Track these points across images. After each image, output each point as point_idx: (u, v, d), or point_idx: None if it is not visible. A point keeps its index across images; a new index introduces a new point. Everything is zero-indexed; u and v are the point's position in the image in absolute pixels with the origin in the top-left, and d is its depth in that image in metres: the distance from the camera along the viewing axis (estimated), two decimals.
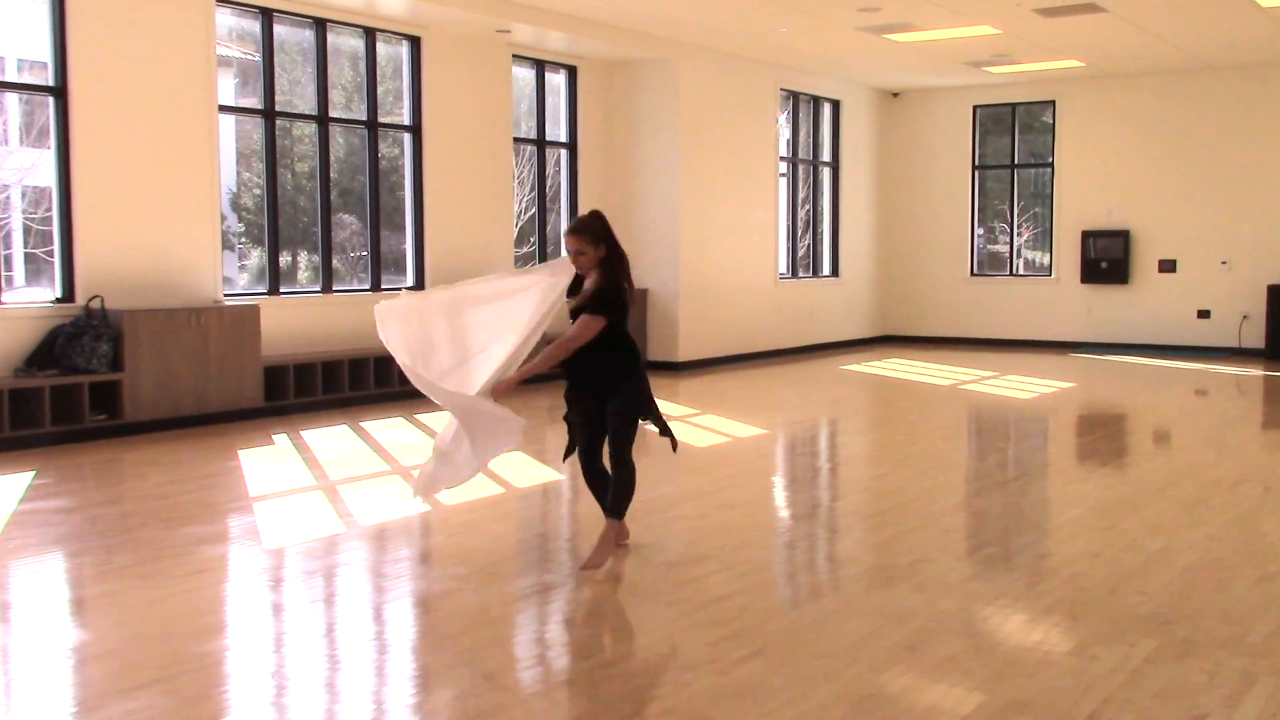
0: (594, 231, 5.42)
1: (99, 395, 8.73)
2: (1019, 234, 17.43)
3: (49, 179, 9.15)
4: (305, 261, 11.50)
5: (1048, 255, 16.96)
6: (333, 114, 11.02)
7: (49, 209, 9.28)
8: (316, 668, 4.21)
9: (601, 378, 5.50)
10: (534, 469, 7.87)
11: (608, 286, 5.38)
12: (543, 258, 13.34)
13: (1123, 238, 16.05)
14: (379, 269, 11.45)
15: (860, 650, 4.28)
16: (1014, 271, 17.32)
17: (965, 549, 5.87)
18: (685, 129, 13.67)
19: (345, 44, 11.35)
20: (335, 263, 11.18)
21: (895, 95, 17.69)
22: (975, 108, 17.16)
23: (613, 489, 5.47)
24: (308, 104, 10.96)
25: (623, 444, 5.46)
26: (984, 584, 5.14)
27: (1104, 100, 16.18)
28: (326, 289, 10.96)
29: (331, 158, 11.07)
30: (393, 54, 11.69)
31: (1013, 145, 17.18)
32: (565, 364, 5.55)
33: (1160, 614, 4.65)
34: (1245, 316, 15.38)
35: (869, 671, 4.05)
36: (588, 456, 5.61)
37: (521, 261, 13.16)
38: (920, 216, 17.61)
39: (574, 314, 5.45)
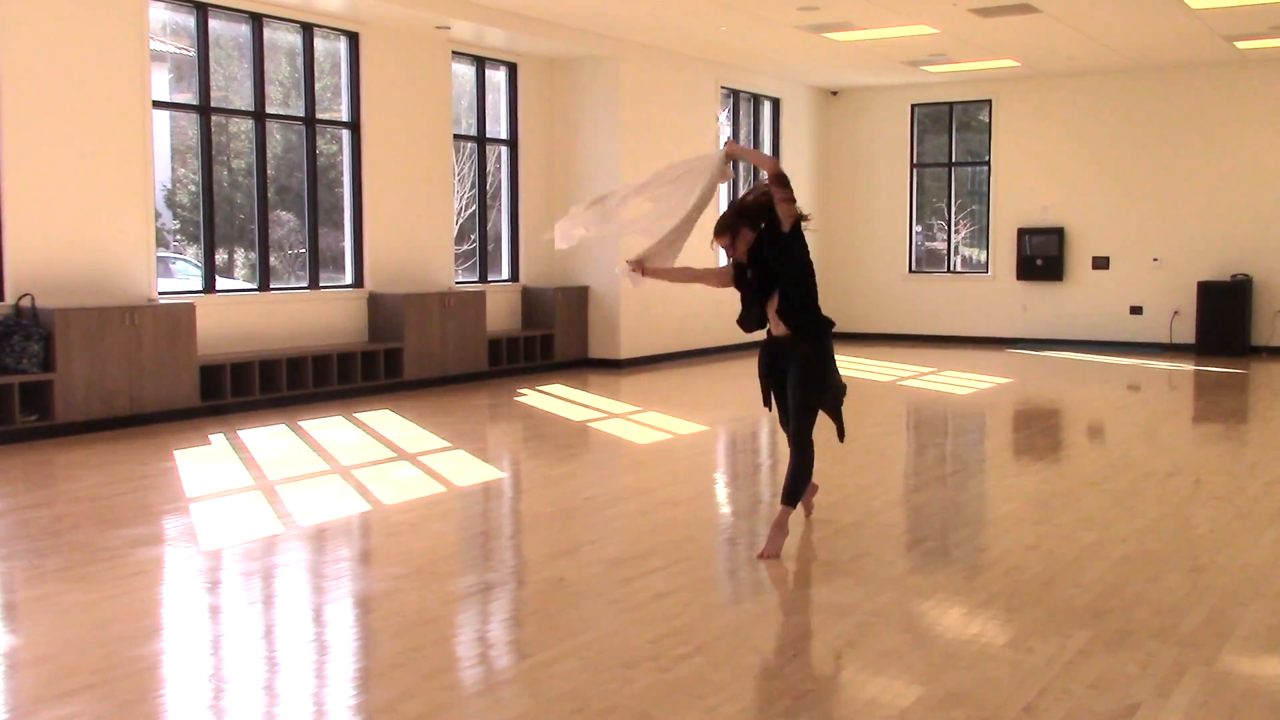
0: (732, 226, 5.60)
1: (29, 396, 8.57)
2: (956, 231, 17.62)
3: None
4: (242, 259, 11.36)
5: (985, 252, 17.17)
6: (270, 110, 10.90)
7: None
8: (255, 670, 4.16)
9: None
10: (475, 468, 7.84)
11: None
12: (484, 256, 13.29)
13: (1057, 235, 16.29)
14: (317, 266, 11.34)
15: (801, 645, 4.31)
16: (951, 268, 17.51)
17: (904, 543, 5.92)
18: (626, 126, 13.68)
19: (282, 39, 11.22)
20: (273, 260, 11.06)
21: (834, 94, 17.82)
22: (913, 106, 17.33)
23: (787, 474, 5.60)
24: (244, 100, 10.83)
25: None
26: (923, 578, 5.19)
27: (1039, 100, 16.40)
28: (264, 287, 10.84)
29: (269, 154, 10.95)
30: (331, 49, 11.58)
31: (950, 144, 17.37)
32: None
33: (1094, 606, 4.72)
34: (1176, 313, 15.67)
35: (810, 666, 4.08)
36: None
37: (461, 260, 13.09)
38: (859, 214, 17.75)
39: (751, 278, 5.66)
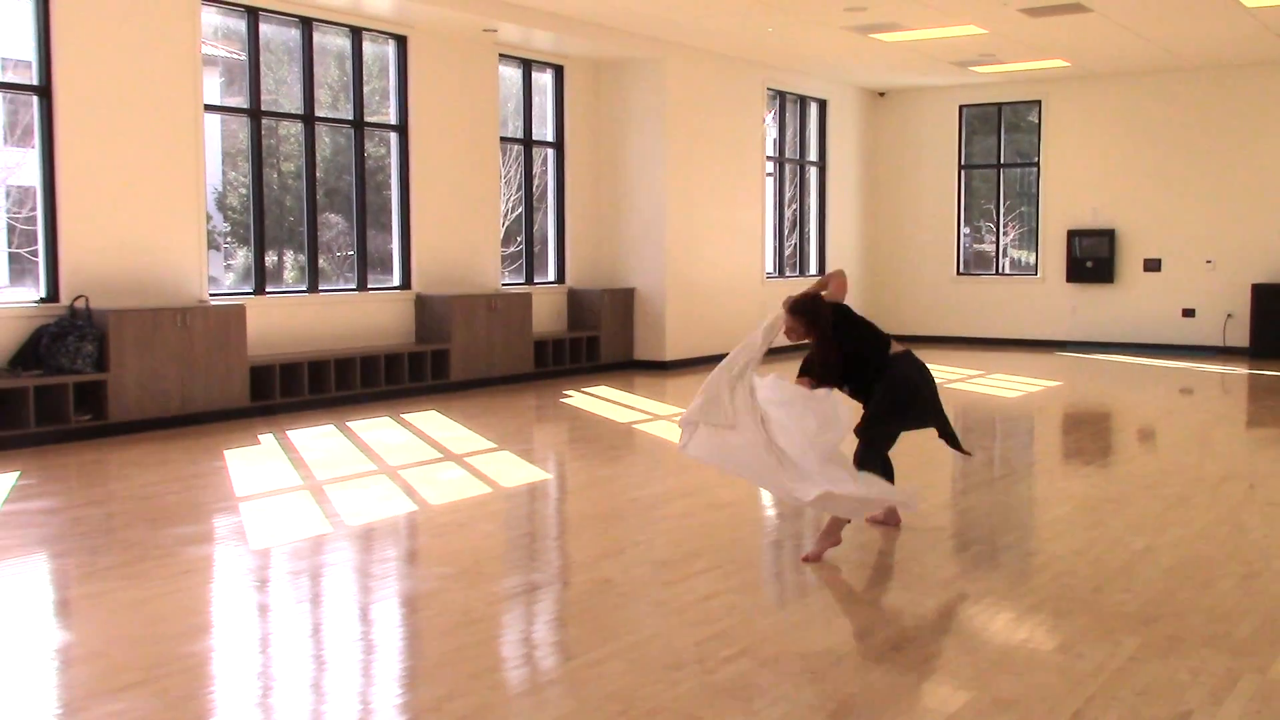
0: (810, 315, 5.71)
1: (84, 396, 8.70)
2: (1005, 233, 17.47)
3: (33, 178, 9.11)
4: (291, 261, 11.47)
5: (1033, 254, 17.01)
6: (319, 113, 11.00)
7: (33, 208, 9.23)
8: (303, 668, 4.20)
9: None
10: (521, 469, 7.86)
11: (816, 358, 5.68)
12: (530, 258, 13.33)
13: (1108, 237, 16.11)
14: (365, 268, 11.43)
15: (847, 649, 4.28)
16: (1000, 271, 17.37)
17: (952, 547, 5.88)
18: (672, 128, 13.67)
19: (331, 43, 11.32)
20: (321, 262, 11.15)
21: (881, 95, 17.72)
22: (961, 107, 17.21)
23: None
24: (294, 103, 10.93)
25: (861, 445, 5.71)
26: (971, 582, 5.15)
27: (1090, 100, 16.23)
28: (313, 289, 10.94)
29: (318, 157, 11.05)
30: (379, 53, 11.66)
31: (999, 145, 17.23)
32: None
33: (1145, 612, 4.66)
34: (1229, 315, 15.45)
35: (856, 670, 4.06)
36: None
37: (508, 262, 13.14)
38: (906, 216, 17.65)
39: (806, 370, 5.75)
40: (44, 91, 8.84)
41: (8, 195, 11.74)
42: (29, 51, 8.90)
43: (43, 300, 8.88)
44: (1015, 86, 16.61)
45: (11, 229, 11.53)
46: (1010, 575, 5.28)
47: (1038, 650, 4.24)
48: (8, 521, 6.23)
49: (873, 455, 5.70)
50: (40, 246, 8.99)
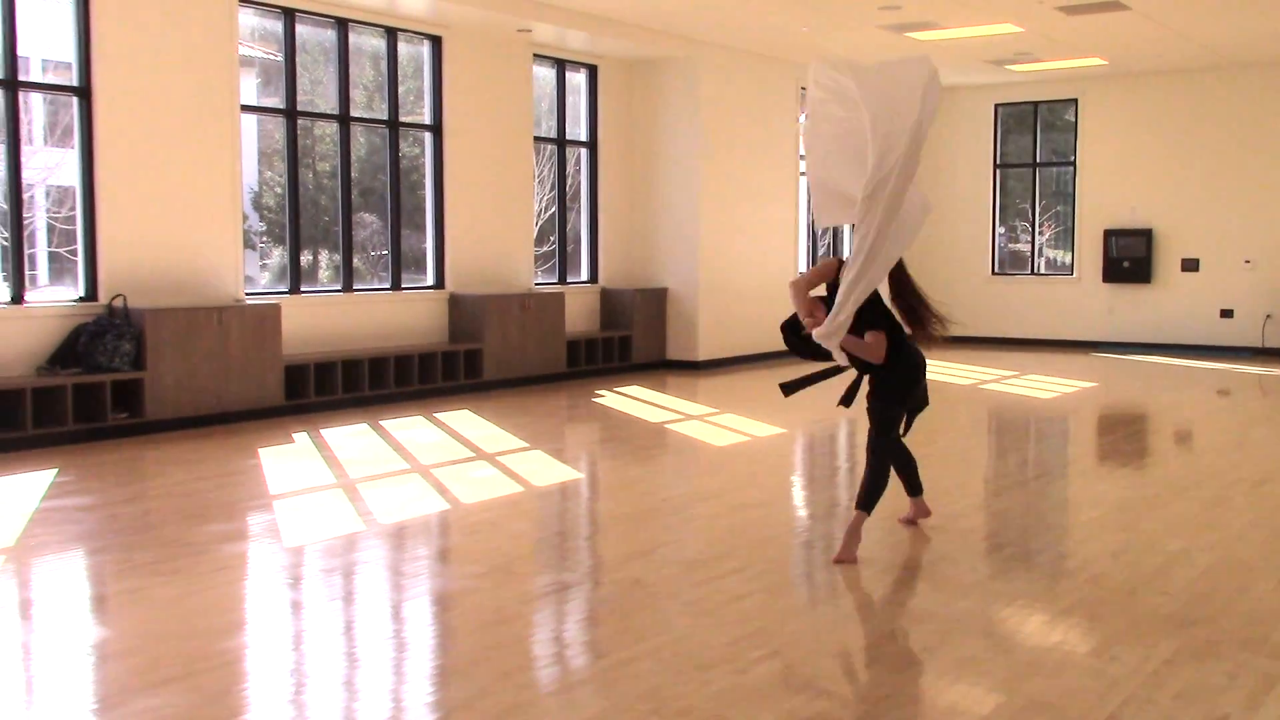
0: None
1: (121, 394, 8.78)
2: (1040, 233, 17.36)
3: (73, 178, 9.21)
4: (326, 260, 11.54)
5: (1069, 254, 16.88)
6: (354, 113, 11.06)
7: (73, 208, 9.33)
8: (335, 665, 4.22)
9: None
10: (553, 468, 7.88)
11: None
12: (563, 257, 13.36)
13: (1145, 236, 15.97)
14: (399, 268, 11.48)
15: (879, 650, 4.27)
16: (1035, 270, 17.25)
17: (984, 549, 5.85)
18: (705, 127, 13.66)
19: (367, 43, 11.38)
20: (356, 262, 11.22)
21: None
22: (997, 106, 17.10)
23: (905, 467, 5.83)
24: (329, 103, 11.00)
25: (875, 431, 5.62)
26: (1003, 584, 5.12)
27: (1127, 98, 16.09)
28: (347, 288, 11.01)
29: (353, 157, 11.11)
30: (414, 53, 11.72)
31: (1034, 143, 17.11)
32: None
33: (1181, 615, 4.62)
34: (1269, 316, 15.27)
35: (889, 671, 4.04)
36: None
37: (541, 261, 13.17)
38: (941, 215, 17.52)
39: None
40: (83, 93, 8.93)
41: (48, 195, 11.87)
42: (69, 53, 9.00)
43: (81, 299, 8.98)
44: (1051, 85, 16.49)
45: (51, 228, 11.66)
46: (1043, 577, 5.24)
47: (1072, 653, 4.21)
48: (46, 518, 6.31)
49: (891, 439, 5.62)
50: (79, 246, 9.08)
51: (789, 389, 5.72)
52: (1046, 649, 4.27)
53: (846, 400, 5.70)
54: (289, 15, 10.35)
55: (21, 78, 8.88)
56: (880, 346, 5.43)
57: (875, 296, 5.47)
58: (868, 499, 5.52)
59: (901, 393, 5.61)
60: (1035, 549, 5.82)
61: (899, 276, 5.66)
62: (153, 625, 4.59)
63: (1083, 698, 3.78)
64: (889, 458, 5.63)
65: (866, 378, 5.66)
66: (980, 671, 4.04)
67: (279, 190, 11.38)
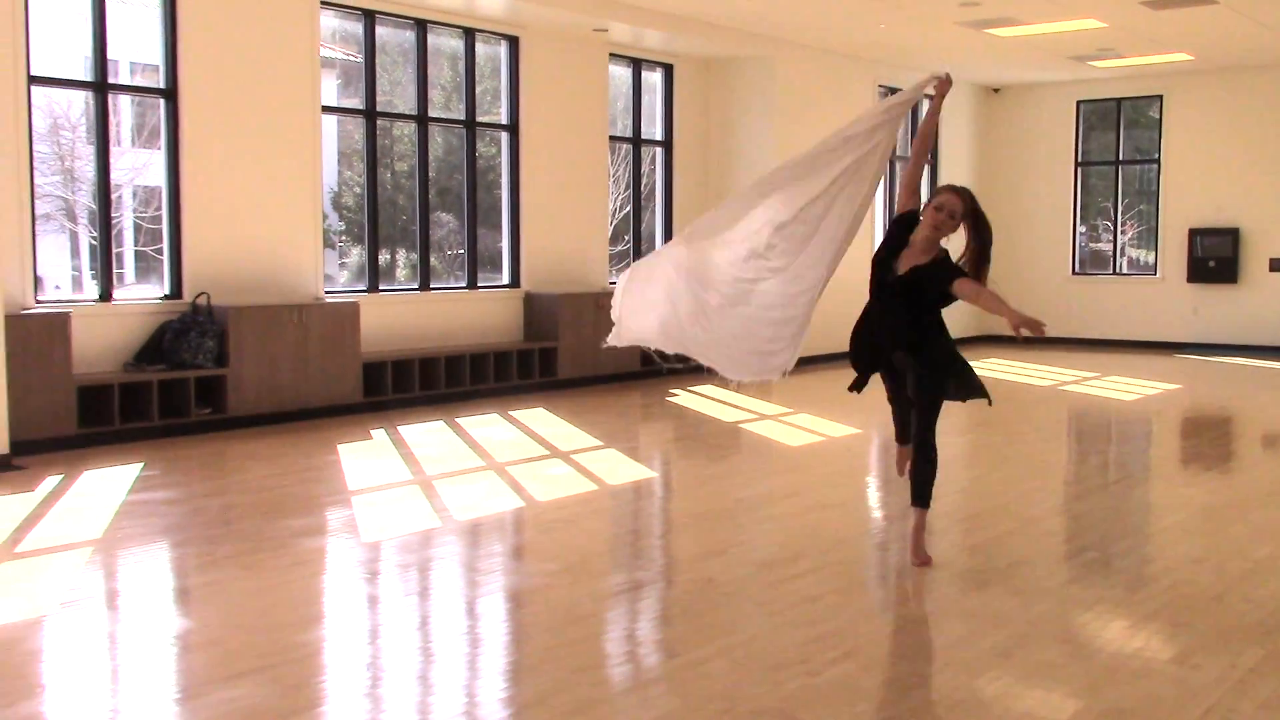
0: (974, 214, 5.20)
1: (204, 390, 8.96)
2: (1123, 232, 17.04)
3: (159, 179, 9.41)
4: (404, 259, 11.67)
5: (1153, 254, 16.56)
6: (432, 114, 11.17)
7: (159, 208, 9.54)
8: (410, 660, 4.27)
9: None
10: (627, 467, 7.90)
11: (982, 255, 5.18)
12: (637, 256, 13.38)
13: (1231, 236, 15.61)
14: (475, 267, 11.58)
15: (954, 654, 4.22)
16: (1117, 270, 16.94)
17: (1064, 553, 5.76)
18: (782, 126, 13.60)
19: (445, 44, 11.49)
20: (433, 261, 11.33)
21: (996, 91, 17.41)
22: (1079, 103, 16.82)
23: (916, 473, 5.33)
24: (408, 104, 11.12)
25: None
26: (1083, 589, 5.04)
27: (1214, 95, 15.74)
28: (424, 287, 11.12)
29: (430, 157, 11.22)
30: (491, 54, 11.81)
31: (1117, 141, 16.80)
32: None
33: (1267, 623, 4.51)
34: None
35: (963, 675, 3.99)
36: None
37: (616, 260, 13.20)
38: (1020, 214, 17.30)
39: (925, 276, 5.17)
40: (170, 95, 9.12)
41: (135, 195, 12.14)
42: (156, 56, 9.19)
43: (167, 297, 9.17)
44: (1135, 81, 16.18)
45: (138, 228, 11.92)
46: (1124, 582, 5.15)
47: (1153, 660, 4.13)
48: (132, 511, 6.45)
49: (934, 420, 5.28)
50: (165, 245, 9.28)
51: (858, 386, 5.51)
52: (1127, 655, 4.20)
53: (858, 385, 5.46)
54: (369, 17, 10.48)
55: (110, 80, 9.09)
56: (987, 291, 5.12)
57: (941, 256, 5.21)
58: (925, 495, 5.34)
59: (953, 361, 5.27)
60: (1116, 553, 5.72)
61: (975, 211, 5.22)
62: (233, 617, 4.68)
63: (1163, 706, 3.71)
64: (934, 445, 5.29)
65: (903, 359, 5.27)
66: (1058, 677, 3.98)
67: (358, 190, 11.53)
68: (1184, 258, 16.03)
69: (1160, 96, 16.20)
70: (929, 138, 5.56)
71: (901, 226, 5.37)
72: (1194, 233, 15.88)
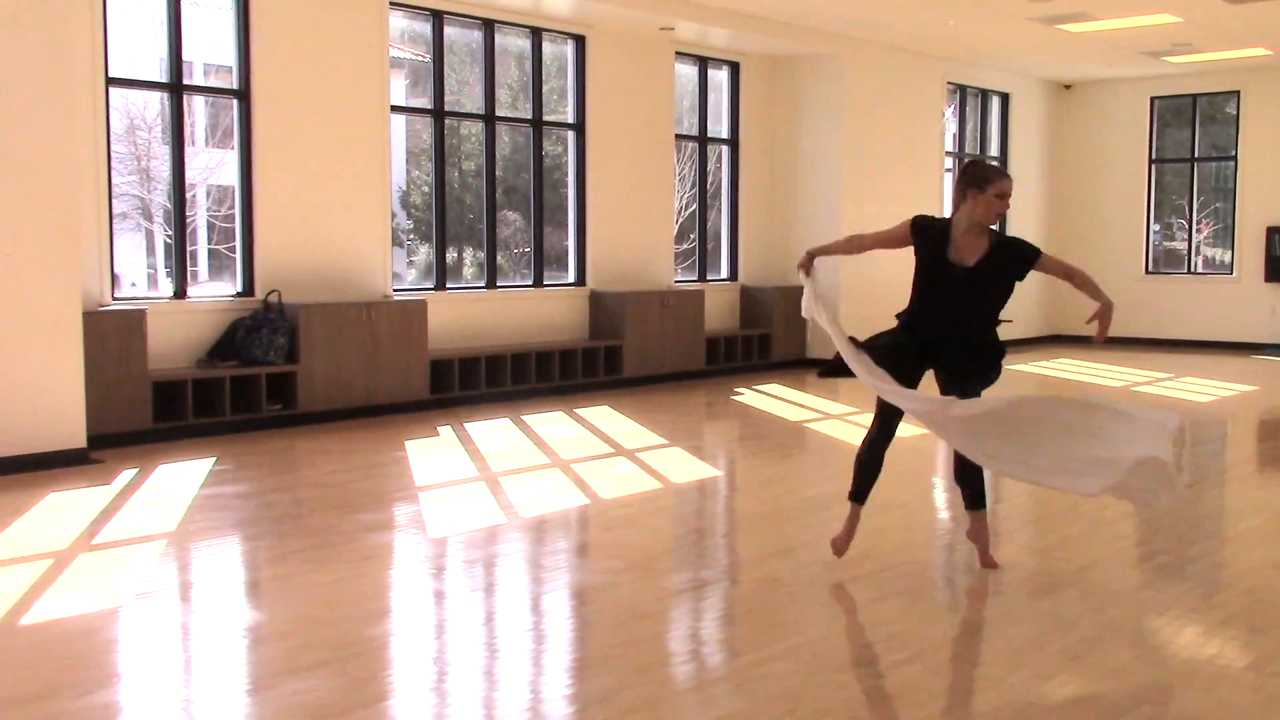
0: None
1: (275, 386, 9.08)
2: (1198, 230, 16.72)
3: (232, 178, 9.56)
4: (470, 258, 11.76)
5: (1229, 252, 16.23)
6: (499, 113, 11.24)
7: (232, 207, 9.69)
8: (476, 655, 4.30)
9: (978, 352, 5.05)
10: (691, 465, 7.89)
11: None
12: (703, 255, 13.36)
13: None
14: (542, 265, 11.63)
15: (1023, 657, 4.17)
16: (1192, 269, 16.63)
17: (1135, 557, 5.66)
18: (849, 124, 13.51)
19: (512, 44, 11.56)
20: (499, 259, 11.40)
21: (1068, 87, 17.17)
22: (1153, 99, 16.54)
23: (976, 479, 5.18)
24: (475, 103, 11.20)
25: None
26: (1155, 593, 4.95)
27: None
28: (491, 285, 11.19)
29: (497, 156, 11.29)
30: (558, 53, 11.85)
31: (1193, 138, 16.50)
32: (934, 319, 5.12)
33: None
34: None
35: (1032, 680, 3.94)
36: (883, 435, 5.25)
37: (681, 259, 13.19)
38: (1093, 212, 17.04)
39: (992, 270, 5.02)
40: (243, 95, 9.26)
41: (208, 194, 12.34)
42: (230, 58, 9.34)
43: (239, 294, 9.31)
44: (1212, 77, 15.87)
45: (211, 226, 12.11)
46: (1199, 587, 5.05)
47: (1228, 667, 4.05)
48: (206, 504, 6.56)
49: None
50: (237, 243, 9.42)
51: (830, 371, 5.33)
52: (1202, 661, 4.12)
53: (832, 369, 5.32)
54: (437, 17, 10.57)
55: (185, 82, 9.25)
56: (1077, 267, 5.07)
57: (1000, 239, 5.09)
58: (981, 493, 5.25)
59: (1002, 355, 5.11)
60: (1190, 558, 5.61)
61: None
62: (303, 610, 4.74)
63: (1239, 713, 3.63)
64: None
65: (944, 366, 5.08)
66: (1130, 682, 3.91)
67: (426, 189, 11.63)
68: (1261, 256, 15.69)
69: (1237, 92, 15.88)
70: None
71: (931, 233, 5.20)
72: (1272, 231, 15.53)
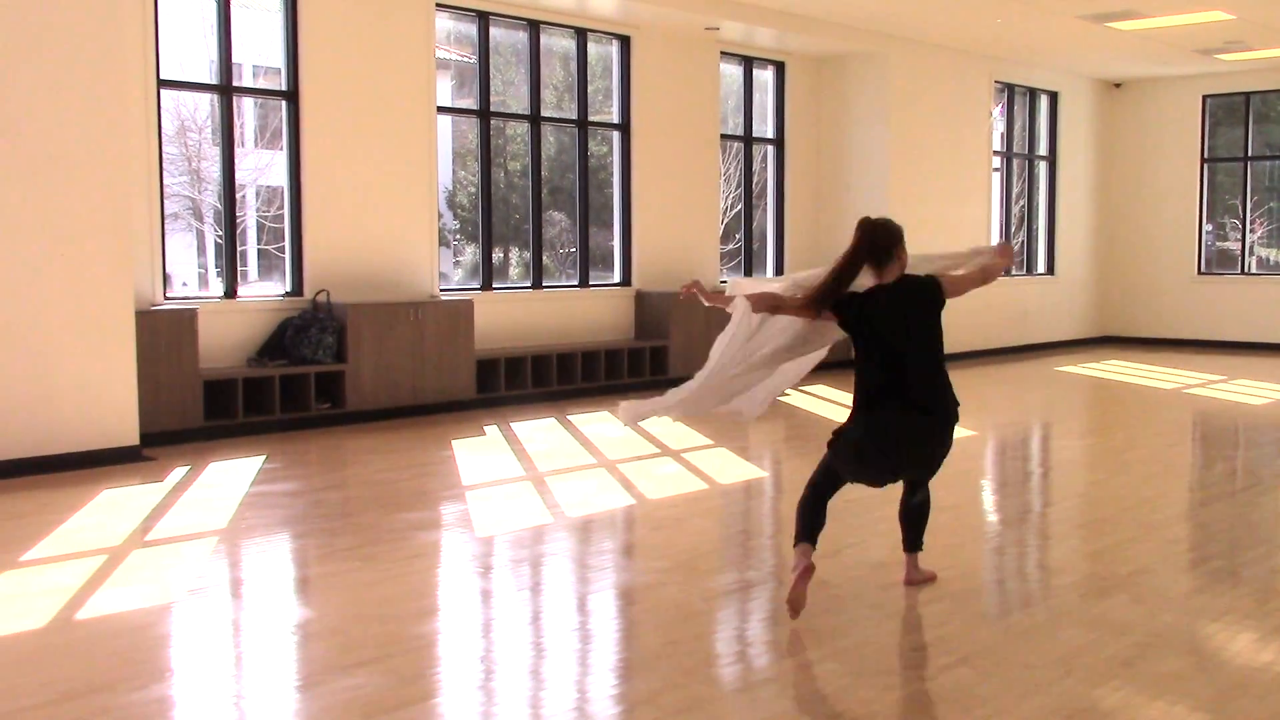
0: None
1: (324, 385, 9.16)
2: (1252, 230, 16.49)
3: (281, 179, 9.65)
4: (516, 258, 11.80)
5: None
6: (544, 113, 11.27)
7: (281, 207, 9.79)
8: (523, 654, 4.31)
9: (940, 394, 4.81)
10: (737, 466, 7.88)
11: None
12: (748, 255, 13.34)
13: None
14: (587, 265, 11.65)
15: (1074, 662, 4.12)
16: (1245, 270, 16.40)
17: (1189, 561, 5.59)
18: (896, 124, 13.44)
19: (557, 45, 11.59)
20: (545, 259, 11.43)
21: (1117, 86, 16.98)
22: (1205, 97, 16.32)
23: (920, 520, 5.05)
24: (521, 104, 11.24)
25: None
26: (1209, 599, 4.89)
27: None
28: (537, 285, 11.23)
29: (543, 156, 11.33)
30: (603, 53, 11.87)
31: (1246, 136, 16.26)
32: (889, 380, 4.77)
33: None
34: None
35: (1083, 685, 3.90)
36: (829, 486, 4.91)
37: (726, 259, 13.17)
38: (1144, 212, 16.85)
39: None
40: (291, 96, 9.34)
41: (258, 195, 12.46)
42: (279, 60, 9.43)
43: (288, 294, 9.40)
44: (1265, 74, 15.64)
45: (261, 227, 12.24)
46: (1254, 593, 4.98)
47: None
48: (256, 502, 6.63)
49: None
50: (286, 243, 9.51)
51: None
52: (1256, 669, 4.06)
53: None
54: (483, 18, 10.62)
55: (235, 83, 9.35)
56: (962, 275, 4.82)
57: (893, 280, 4.93)
58: (920, 536, 5.09)
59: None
60: (1244, 563, 5.53)
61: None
62: (352, 608, 4.78)
63: None
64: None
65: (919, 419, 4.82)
66: (1183, 689, 3.86)
67: (472, 189, 11.69)
68: None
69: None
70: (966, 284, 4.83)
71: (857, 305, 4.96)
72: None
